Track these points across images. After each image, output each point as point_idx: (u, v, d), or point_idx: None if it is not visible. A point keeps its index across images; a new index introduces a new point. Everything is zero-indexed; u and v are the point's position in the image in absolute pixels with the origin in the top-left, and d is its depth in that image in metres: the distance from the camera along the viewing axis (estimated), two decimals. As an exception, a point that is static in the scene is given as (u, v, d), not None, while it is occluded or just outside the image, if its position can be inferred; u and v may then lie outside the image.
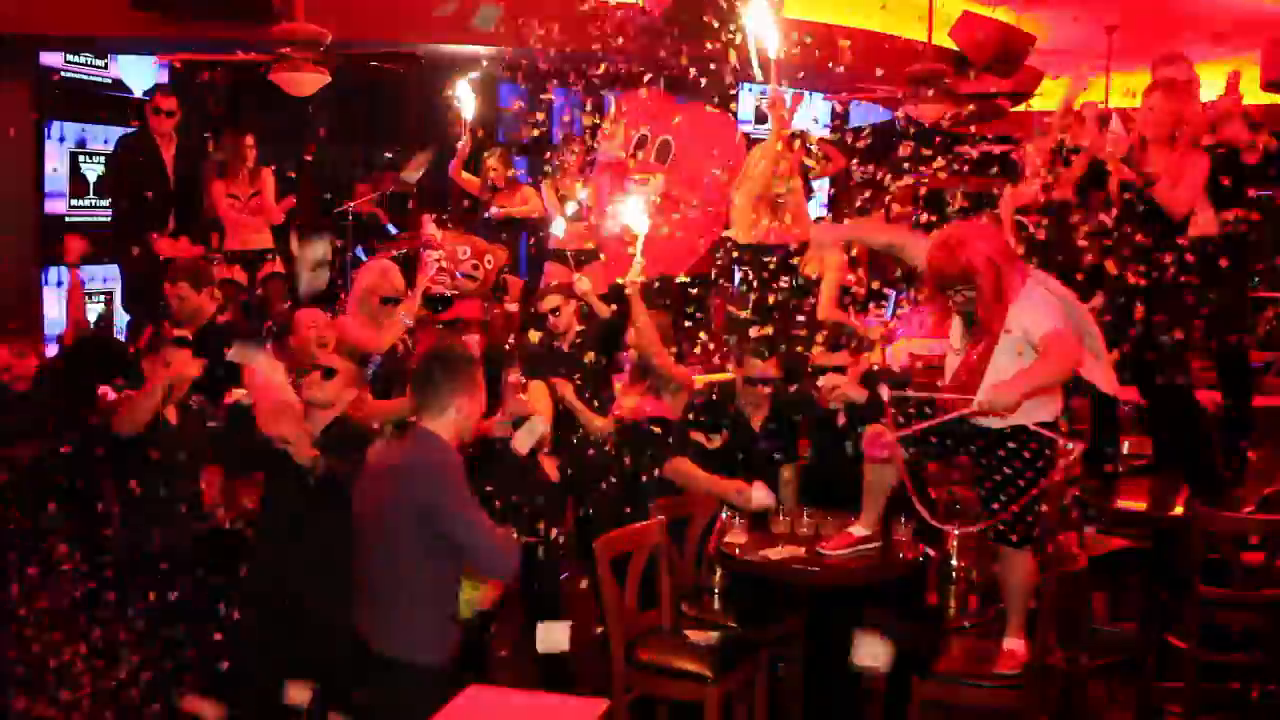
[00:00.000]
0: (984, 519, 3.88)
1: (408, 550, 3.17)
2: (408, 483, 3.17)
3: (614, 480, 4.91)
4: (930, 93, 7.52)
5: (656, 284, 6.27)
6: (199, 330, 4.81)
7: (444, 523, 3.13)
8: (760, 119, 10.65)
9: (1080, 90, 5.74)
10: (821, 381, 4.65)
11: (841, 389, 4.55)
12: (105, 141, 7.72)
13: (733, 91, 9.86)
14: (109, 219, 7.27)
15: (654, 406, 4.96)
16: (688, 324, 6.46)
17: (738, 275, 6.72)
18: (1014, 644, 3.83)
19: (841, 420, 4.61)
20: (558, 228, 7.02)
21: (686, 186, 7.41)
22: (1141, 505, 5.00)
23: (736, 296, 6.68)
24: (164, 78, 8.06)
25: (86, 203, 7.75)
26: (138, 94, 7.99)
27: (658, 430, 4.92)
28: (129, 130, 7.30)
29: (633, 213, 5.18)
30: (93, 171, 7.76)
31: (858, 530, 4.21)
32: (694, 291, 7.05)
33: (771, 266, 6.15)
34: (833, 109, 11.72)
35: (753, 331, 5.89)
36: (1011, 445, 3.79)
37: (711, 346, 6.53)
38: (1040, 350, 3.65)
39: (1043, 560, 3.92)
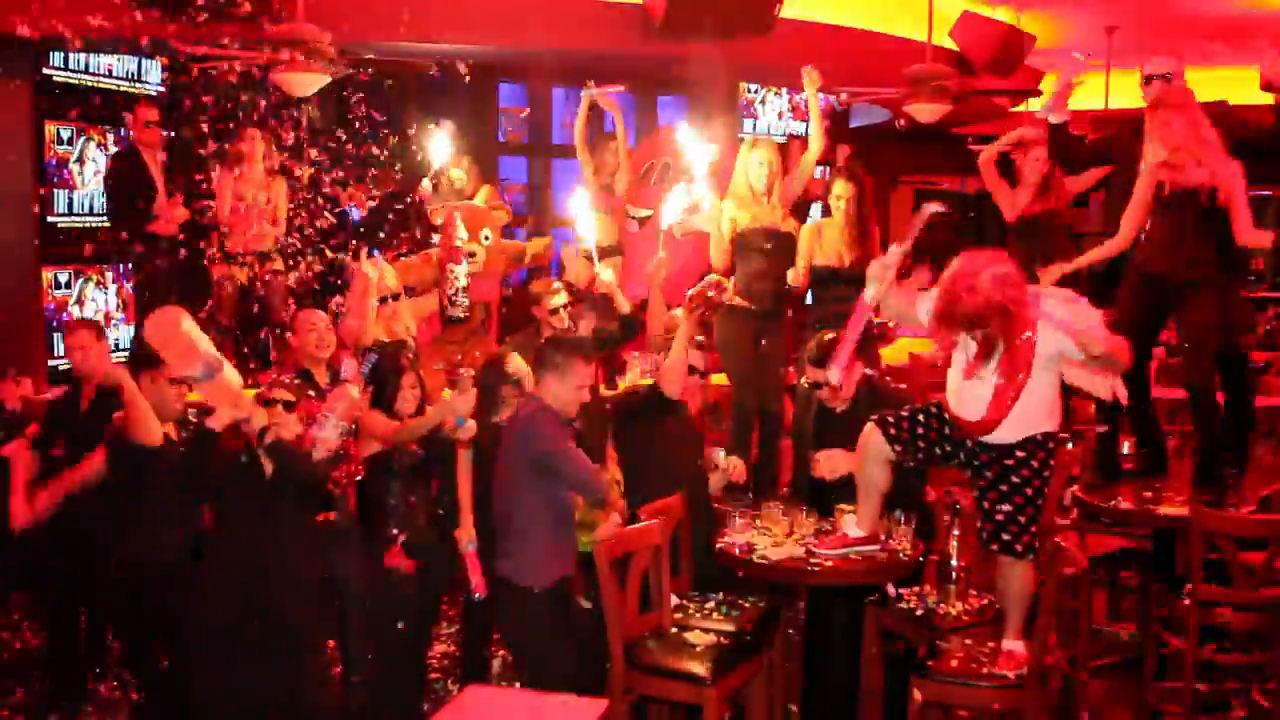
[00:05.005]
0: (986, 528, 3.88)
1: (522, 493, 4.02)
2: (519, 439, 4.06)
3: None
4: (929, 93, 7.50)
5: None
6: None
7: (550, 464, 3.98)
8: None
9: (1072, 80, 5.67)
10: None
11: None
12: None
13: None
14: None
15: None
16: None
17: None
18: (1014, 644, 3.83)
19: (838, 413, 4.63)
20: (584, 224, 6.95)
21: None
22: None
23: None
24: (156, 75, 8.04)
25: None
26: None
27: None
28: (118, 149, 7.31)
29: (669, 210, 5.19)
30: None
31: (853, 531, 4.22)
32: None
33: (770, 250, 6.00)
34: (833, 109, 11.74)
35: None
36: (1020, 454, 3.78)
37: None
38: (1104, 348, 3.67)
39: (1042, 560, 3.92)
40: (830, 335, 4.66)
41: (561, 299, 5.30)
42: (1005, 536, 3.81)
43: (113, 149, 7.50)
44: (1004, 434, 3.80)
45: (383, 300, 5.23)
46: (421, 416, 4.40)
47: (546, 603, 4.01)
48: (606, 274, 5.43)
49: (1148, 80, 5.44)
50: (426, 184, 6.95)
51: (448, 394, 4.54)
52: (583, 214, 5.69)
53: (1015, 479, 3.79)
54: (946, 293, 3.60)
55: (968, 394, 3.79)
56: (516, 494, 4.06)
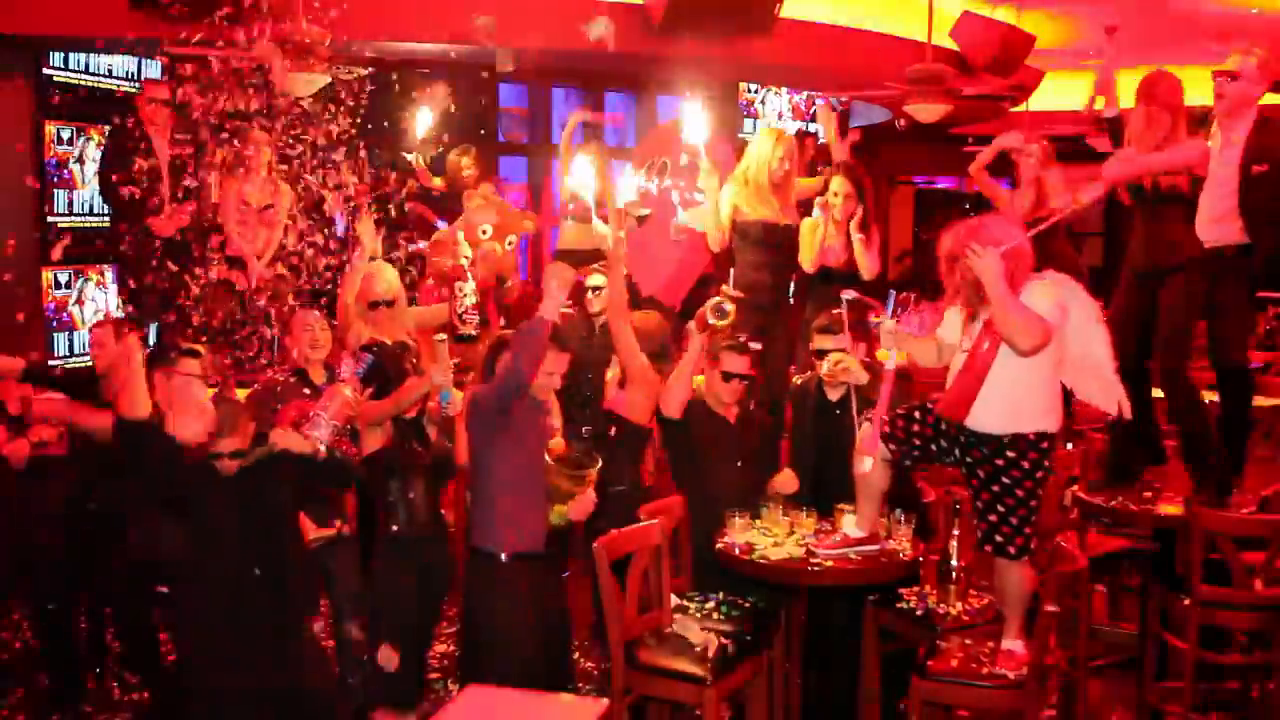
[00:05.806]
0: (980, 528, 3.87)
1: (485, 448, 4.02)
2: (477, 400, 4.06)
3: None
4: (930, 93, 7.49)
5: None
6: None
7: (504, 380, 3.94)
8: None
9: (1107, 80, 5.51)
10: (827, 362, 4.65)
11: (846, 367, 4.55)
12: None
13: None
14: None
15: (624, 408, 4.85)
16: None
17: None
18: (1014, 644, 3.83)
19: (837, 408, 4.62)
20: (566, 228, 6.90)
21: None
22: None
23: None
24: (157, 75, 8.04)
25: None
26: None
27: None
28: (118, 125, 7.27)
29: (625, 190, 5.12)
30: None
31: (853, 531, 4.22)
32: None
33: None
34: (832, 108, 11.73)
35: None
36: (1010, 454, 3.75)
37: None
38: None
39: (1042, 561, 3.92)
40: (838, 311, 4.63)
41: (599, 279, 5.32)
42: (998, 539, 3.78)
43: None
44: (990, 422, 3.75)
45: (373, 305, 5.11)
46: (402, 389, 4.32)
47: (515, 574, 3.97)
48: (598, 278, 5.37)
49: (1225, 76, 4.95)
50: (418, 157, 6.95)
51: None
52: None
53: (1006, 480, 3.75)
54: (955, 227, 3.80)
55: (952, 369, 3.84)
56: (481, 453, 4.06)
